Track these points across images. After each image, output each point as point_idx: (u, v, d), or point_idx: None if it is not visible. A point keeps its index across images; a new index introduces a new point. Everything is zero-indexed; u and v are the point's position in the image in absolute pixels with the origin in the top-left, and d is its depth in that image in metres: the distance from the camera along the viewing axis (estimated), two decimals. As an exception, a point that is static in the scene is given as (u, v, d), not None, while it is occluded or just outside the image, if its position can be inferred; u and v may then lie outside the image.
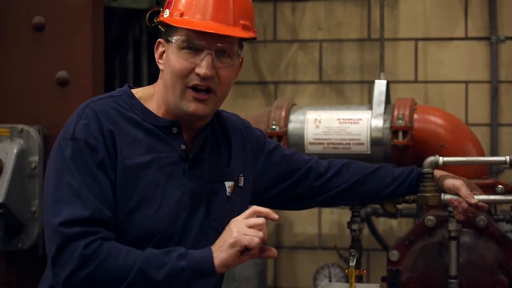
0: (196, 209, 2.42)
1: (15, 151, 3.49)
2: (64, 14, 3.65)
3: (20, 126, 3.55)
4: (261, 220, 2.25)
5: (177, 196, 2.38)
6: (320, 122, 3.66)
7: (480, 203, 2.77)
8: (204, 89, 2.36)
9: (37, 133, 3.56)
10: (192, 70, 2.35)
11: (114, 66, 4.57)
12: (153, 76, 4.52)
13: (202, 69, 2.34)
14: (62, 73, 3.63)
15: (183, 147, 2.42)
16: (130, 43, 4.53)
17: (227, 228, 2.26)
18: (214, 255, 2.23)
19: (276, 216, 2.29)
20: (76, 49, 3.64)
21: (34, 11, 3.66)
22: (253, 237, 2.20)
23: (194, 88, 2.36)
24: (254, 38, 2.46)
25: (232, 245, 2.21)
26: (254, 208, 2.28)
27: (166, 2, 2.42)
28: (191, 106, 2.37)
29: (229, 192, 2.50)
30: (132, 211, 2.32)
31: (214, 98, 2.39)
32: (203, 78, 2.34)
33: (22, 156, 3.51)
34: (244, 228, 2.22)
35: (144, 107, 2.42)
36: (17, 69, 3.68)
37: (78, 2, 3.65)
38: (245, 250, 2.22)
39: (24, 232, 3.51)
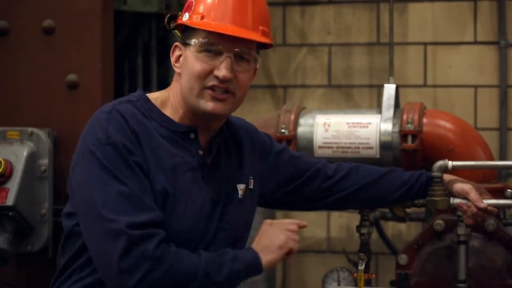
0: (213, 214, 2.41)
1: (25, 154, 3.50)
2: (74, 18, 3.65)
3: (30, 129, 3.55)
4: (295, 226, 2.42)
5: (199, 203, 2.37)
6: (329, 126, 3.67)
7: (489, 207, 2.77)
8: (223, 90, 2.36)
9: (47, 136, 3.56)
10: (210, 72, 2.34)
11: (124, 69, 4.57)
12: (162, 80, 4.53)
13: (221, 71, 2.33)
14: (71, 76, 3.64)
15: (200, 152, 2.42)
16: (139, 46, 4.53)
17: (269, 229, 2.39)
18: (261, 255, 2.34)
19: (304, 223, 2.48)
20: (85, 53, 3.64)
21: (44, 14, 3.66)
22: (296, 242, 2.40)
23: (212, 88, 2.35)
24: (271, 46, 2.46)
25: (281, 247, 2.36)
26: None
27: (186, 6, 2.42)
28: (209, 105, 2.36)
29: (241, 195, 2.50)
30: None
31: (233, 99, 2.39)
32: (222, 80, 2.34)
33: (32, 159, 3.51)
34: (288, 232, 2.39)
35: (161, 112, 2.41)
36: (27, 72, 3.68)
37: (88, 5, 3.65)
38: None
39: (33, 235, 3.52)
